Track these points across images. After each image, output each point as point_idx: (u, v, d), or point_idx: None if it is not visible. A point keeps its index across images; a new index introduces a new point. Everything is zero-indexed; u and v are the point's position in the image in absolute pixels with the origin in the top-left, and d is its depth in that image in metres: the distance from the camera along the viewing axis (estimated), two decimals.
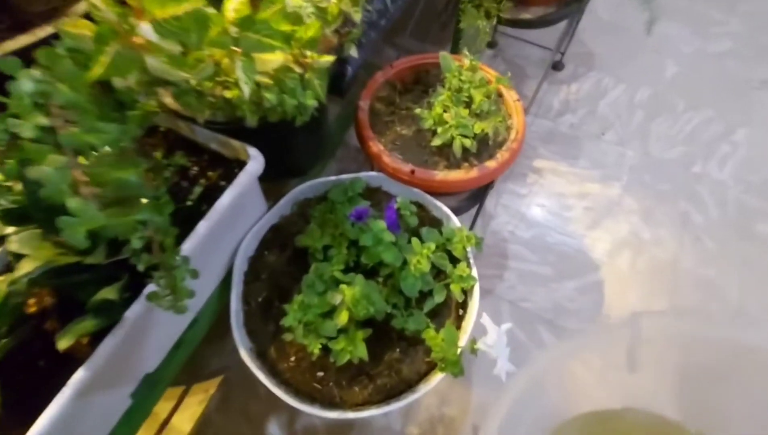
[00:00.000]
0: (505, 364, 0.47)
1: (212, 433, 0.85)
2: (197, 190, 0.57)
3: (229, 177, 0.58)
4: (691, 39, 1.52)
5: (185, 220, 0.51)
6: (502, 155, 0.64)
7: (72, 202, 0.27)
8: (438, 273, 0.59)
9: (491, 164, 0.63)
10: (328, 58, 0.44)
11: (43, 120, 0.26)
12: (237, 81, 0.35)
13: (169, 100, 0.55)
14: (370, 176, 0.68)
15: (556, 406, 0.56)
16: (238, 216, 0.59)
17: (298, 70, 0.43)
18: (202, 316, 0.59)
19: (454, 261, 0.59)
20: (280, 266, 0.63)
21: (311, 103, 0.43)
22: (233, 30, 0.34)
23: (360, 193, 0.63)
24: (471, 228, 0.92)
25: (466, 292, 0.58)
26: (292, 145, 0.65)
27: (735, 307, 0.99)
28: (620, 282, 1.03)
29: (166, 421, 0.86)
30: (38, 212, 0.40)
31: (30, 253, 0.40)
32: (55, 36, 0.51)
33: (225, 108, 0.40)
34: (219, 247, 0.58)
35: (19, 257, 0.40)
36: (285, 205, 0.67)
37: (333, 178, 0.68)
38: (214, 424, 0.86)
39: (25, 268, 0.38)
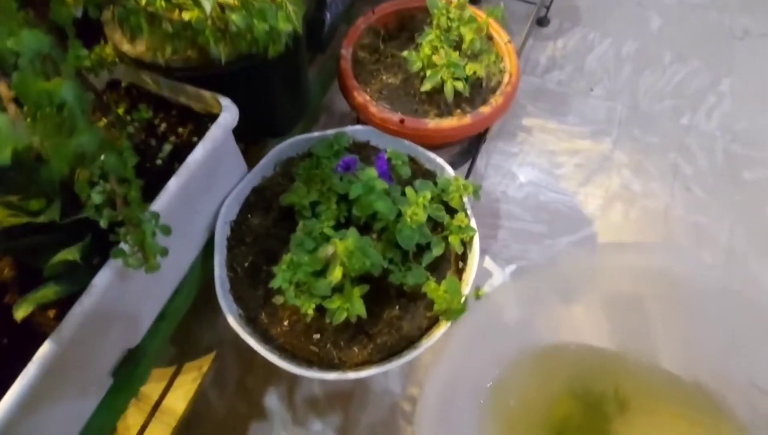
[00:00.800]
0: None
1: (208, 412, 0.82)
2: (167, 148, 0.51)
3: (202, 133, 0.52)
4: None
5: (156, 180, 0.46)
6: (496, 100, 0.60)
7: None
8: (435, 226, 0.56)
9: (485, 110, 0.59)
10: None
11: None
12: None
13: (127, 47, 0.49)
14: (356, 130, 0.63)
15: (503, 345, 0.55)
16: (214, 175, 0.54)
17: None
18: (186, 285, 0.55)
19: (451, 212, 0.56)
20: (265, 229, 0.58)
21: (284, 27, 0.38)
22: None
23: (347, 148, 0.59)
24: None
25: (465, 244, 0.55)
26: (269, 99, 0.60)
27: (725, 250, 1.00)
28: (614, 234, 1.02)
29: (158, 403, 0.83)
30: None
31: None
32: None
33: (185, 39, 0.35)
34: (196, 209, 0.54)
35: None
36: (266, 165, 0.62)
37: (317, 134, 0.63)
38: (209, 402, 0.83)
39: None
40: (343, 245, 0.43)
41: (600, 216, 1.04)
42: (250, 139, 0.66)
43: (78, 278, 0.38)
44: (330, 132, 0.62)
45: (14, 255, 0.39)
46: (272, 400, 0.83)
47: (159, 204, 0.43)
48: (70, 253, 0.34)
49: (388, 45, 0.68)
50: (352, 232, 0.47)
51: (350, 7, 0.61)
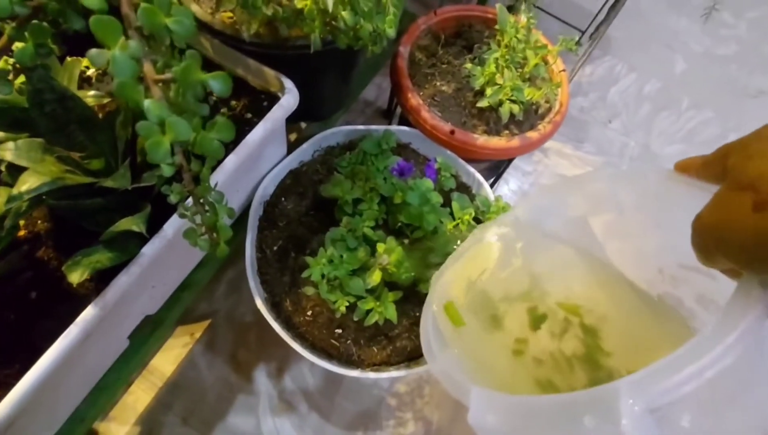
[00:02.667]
0: None
1: (196, 378, 0.83)
2: (219, 119, 0.50)
3: (256, 110, 0.51)
4: (701, 38, 1.53)
5: None
6: (544, 127, 0.61)
7: (154, 108, 0.21)
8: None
9: (533, 135, 0.60)
10: None
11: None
12: None
13: (200, 11, 0.47)
14: (401, 131, 0.63)
15: None
16: (261, 155, 0.53)
17: None
18: (212, 258, 0.54)
19: None
20: (297, 215, 0.58)
21: (391, 31, 0.37)
22: None
23: (392, 148, 0.59)
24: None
25: None
26: (322, 85, 0.59)
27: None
28: None
29: (147, 362, 0.82)
30: (41, 117, 0.32)
31: (30, 165, 0.33)
32: None
33: (287, 21, 0.34)
34: (237, 187, 0.53)
35: (16, 170, 0.33)
36: (307, 149, 0.61)
37: (362, 127, 0.62)
38: (198, 369, 0.83)
39: (28, 182, 0.31)
40: (395, 256, 0.44)
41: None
42: (292, 120, 0.64)
43: (128, 246, 0.37)
44: (375, 128, 0.62)
45: (64, 212, 0.37)
46: (261, 376, 0.84)
47: (216, 182, 0.42)
48: (135, 223, 0.33)
49: (445, 50, 0.67)
50: (392, 241, 0.48)
51: None
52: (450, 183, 0.55)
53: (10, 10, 0.24)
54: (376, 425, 0.83)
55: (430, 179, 0.50)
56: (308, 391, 0.84)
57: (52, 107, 0.32)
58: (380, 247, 0.46)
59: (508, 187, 1.12)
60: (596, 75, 1.36)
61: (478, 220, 0.57)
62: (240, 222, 0.56)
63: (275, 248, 0.56)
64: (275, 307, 0.53)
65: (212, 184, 0.43)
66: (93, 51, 0.20)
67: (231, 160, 0.44)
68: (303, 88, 0.51)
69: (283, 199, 0.59)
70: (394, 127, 0.62)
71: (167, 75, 0.22)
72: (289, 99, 0.48)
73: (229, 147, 0.46)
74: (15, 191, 0.31)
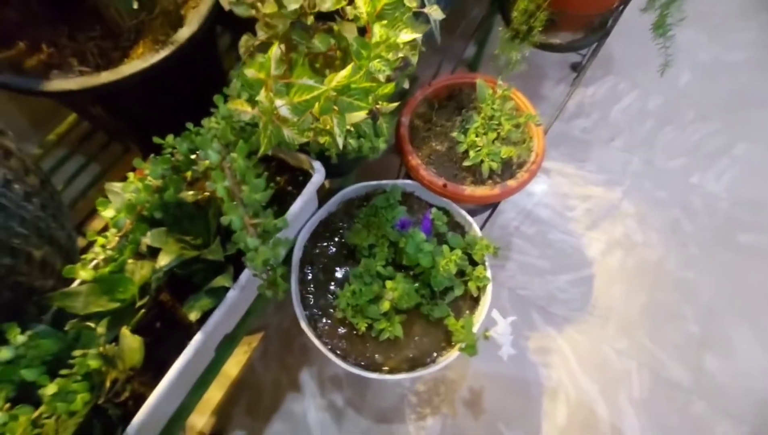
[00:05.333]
0: (508, 349, 0.61)
1: (255, 379, 1.03)
2: (269, 191, 0.69)
3: (294, 183, 0.70)
4: (708, 46, 1.56)
5: None
6: (521, 175, 0.75)
7: (251, 243, 0.39)
8: (458, 271, 0.72)
9: (512, 183, 0.75)
10: (395, 105, 0.55)
11: (227, 182, 0.38)
12: (331, 131, 0.46)
13: None
14: (406, 184, 0.79)
15: None
16: (299, 215, 0.71)
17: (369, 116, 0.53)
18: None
19: (473, 262, 0.73)
20: (328, 255, 0.76)
21: (384, 146, 0.54)
22: (333, 95, 0.45)
23: (398, 200, 0.75)
24: (482, 226, 1.04)
25: (480, 289, 0.72)
26: (340, 162, 0.77)
27: (704, 308, 1.14)
28: (608, 278, 1.17)
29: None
30: (168, 217, 0.52)
31: (161, 246, 0.53)
32: (165, 61, 0.60)
33: (313, 147, 0.52)
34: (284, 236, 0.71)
35: (152, 250, 0.53)
36: (333, 204, 0.79)
37: (374, 182, 0.79)
38: (256, 372, 1.04)
39: (164, 260, 0.51)
40: (398, 292, 0.60)
41: (599, 260, 1.19)
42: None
43: (219, 293, 0.56)
44: (385, 182, 0.79)
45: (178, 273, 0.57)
46: (305, 377, 1.04)
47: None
48: (225, 280, 0.52)
49: (438, 113, 0.83)
50: (400, 278, 0.65)
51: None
52: (442, 228, 0.71)
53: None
54: (400, 419, 1.00)
55: (423, 232, 0.66)
56: (343, 389, 1.03)
57: (173, 211, 0.52)
58: (389, 284, 0.63)
59: (515, 208, 1.24)
60: (598, 95, 1.45)
61: (469, 255, 0.73)
62: (286, 260, 0.75)
63: (312, 281, 0.74)
64: (314, 326, 0.71)
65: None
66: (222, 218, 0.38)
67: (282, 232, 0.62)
68: (327, 160, 0.69)
69: (316, 243, 0.77)
70: (400, 181, 0.79)
71: (256, 221, 0.40)
72: (318, 177, 0.66)
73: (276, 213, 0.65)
74: (157, 266, 0.50)
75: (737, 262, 1.20)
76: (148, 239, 0.53)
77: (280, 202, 0.67)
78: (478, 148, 0.72)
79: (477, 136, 0.73)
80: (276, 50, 0.39)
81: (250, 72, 0.38)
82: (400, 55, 0.54)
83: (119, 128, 0.79)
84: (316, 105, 0.42)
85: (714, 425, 1.01)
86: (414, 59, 0.60)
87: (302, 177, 0.69)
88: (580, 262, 1.19)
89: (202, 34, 0.65)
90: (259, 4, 0.48)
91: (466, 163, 0.73)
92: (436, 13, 0.60)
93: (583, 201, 1.27)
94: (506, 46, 0.77)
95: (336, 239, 0.77)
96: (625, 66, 1.52)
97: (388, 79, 0.50)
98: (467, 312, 0.71)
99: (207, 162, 0.39)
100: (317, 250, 0.76)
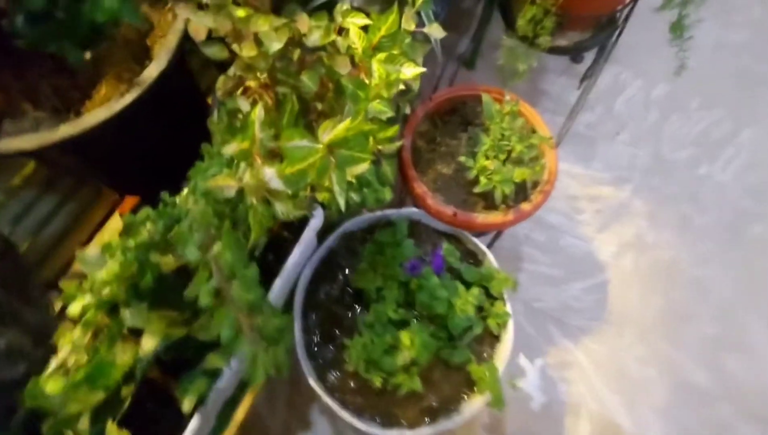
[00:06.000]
0: (539, 397, 0.56)
1: (261, 422, 0.98)
2: (263, 240, 0.62)
3: (291, 228, 0.63)
4: (710, 28, 1.50)
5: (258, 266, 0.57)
6: (536, 197, 0.69)
7: (248, 352, 0.33)
8: (477, 307, 0.67)
9: (526, 207, 0.68)
10: (398, 145, 0.48)
11: (213, 283, 0.31)
12: (330, 189, 0.40)
13: None
14: (412, 212, 0.73)
15: None
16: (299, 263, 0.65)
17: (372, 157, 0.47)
18: None
19: (489, 293, 0.67)
20: (333, 297, 0.70)
21: (390, 195, 0.48)
22: (329, 149, 0.38)
23: (405, 234, 0.69)
24: (491, 244, 0.98)
25: (500, 325, 0.66)
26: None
27: (720, 306, 1.10)
28: (623, 282, 1.13)
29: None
30: (146, 292, 0.46)
31: (143, 326, 0.46)
32: (133, 106, 0.53)
33: (310, 205, 0.45)
34: (286, 285, 0.65)
35: (134, 331, 0.47)
36: (333, 239, 0.72)
37: (378, 213, 0.73)
38: (262, 415, 0.98)
39: (148, 344, 0.44)
40: (415, 348, 0.55)
41: (613, 264, 1.14)
42: None
43: (215, 370, 0.50)
44: (390, 212, 0.72)
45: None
46: (315, 414, 0.98)
47: (271, 296, 0.55)
48: (220, 360, 0.46)
49: (442, 131, 0.76)
50: (416, 328, 0.59)
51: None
52: (456, 263, 0.65)
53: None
54: None
55: (435, 270, 0.60)
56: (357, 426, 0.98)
57: (154, 285, 0.45)
58: (404, 338, 0.57)
59: None
60: (601, 85, 1.38)
61: (486, 290, 0.67)
62: (287, 304, 0.68)
63: (318, 329, 0.68)
64: (324, 379, 0.65)
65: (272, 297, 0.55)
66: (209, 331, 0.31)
67: (278, 283, 0.56)
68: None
69: (319, 285, 0.71)
70: (405, 211, 0.73)
71: (253, 321, 0.33)
72: (316, 221, 0.59)
73: (271, 263, 0.58)
74: (141, 353, 0.44)
75: (749, 255, 1.16)
76: (127, 318, 0.46)
77: (275, 250, 0.61)
78: (490, 173, 0.66)
79: (487, 159, 0.66)
80: (259, 111, 0.32)
81: (231, 148, 0.31)
82: (402, 87, 0.47)
83: (88, 175, 0.71)
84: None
85: (740, 428, 0.98)
86: (416, 85, 0.54)
87: (298, 221, 0.63)
88: (592, 268, 1.14)
89: (173, 69, 0.57)
90: (236, 46, 0.41)
91: (477, 190, 0.67)
92: (436, 31, 0.53)
93: (592, 202, 1.22)
94: (510, 56, 0.70)
95: (340, 278, 0.71)
96: (627, 54, 1.45)
97: (390, 120, 0.44)
98: (488, 351, 0.66)
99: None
100: (321, 294, 0.70)
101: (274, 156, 0.37)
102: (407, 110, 0.60)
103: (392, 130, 0.43)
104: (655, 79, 1.39)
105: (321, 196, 0.43)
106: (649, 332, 1.07)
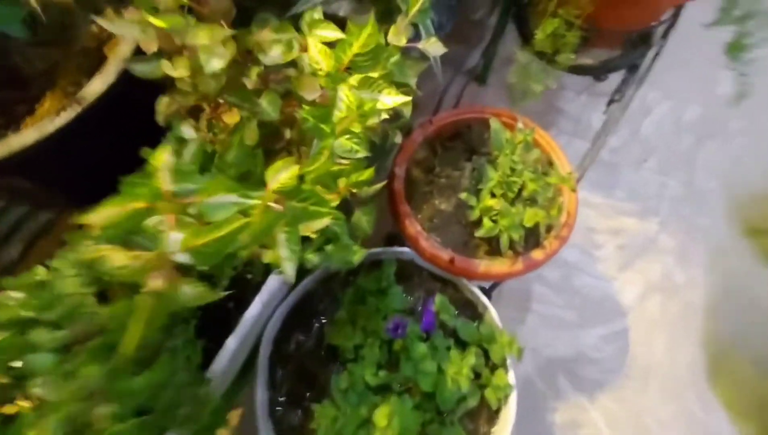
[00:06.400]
0: None
1: None
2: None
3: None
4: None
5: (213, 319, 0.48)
6: (550, 243, 0.59)
7: None
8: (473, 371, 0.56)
9: (538, 255, 0.58)
10: (377, 187, 0.38)
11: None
12: (277, 255, 0.30)
13: None
14: (403, 252, 0.63)
15: None
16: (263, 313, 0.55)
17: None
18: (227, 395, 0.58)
19: (490, 359, 0.56)
20: (306, 349, 0.60)
21: (361, 255, 0.38)
22: (276, 203, 0.29)
23: (390, 282, 0.59)
24: (490, 291, 0.87)
25: (501, 400, 0.55)
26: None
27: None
28: (647, 330, 1.00)
29: None
30: None
31: None
32: (69, 126, 0.45)
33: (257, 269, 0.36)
34: (244, 343, 0.56)
35: None
36: (310, 282, 0.63)
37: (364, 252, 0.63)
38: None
39: None
40: (393, 430, 0.44)
41: (636, 308, 1.01)
42: None
43: None
44: (376, 251, 0.62)
45: None
46: None
47: (217, 367, 0.45)
48: None
49: (442, 158, 0.66)
50: (396, 401, 0.48)
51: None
52: (451, 320, 0.55)
53: None
54: None
55: (424, 329, 0.50)
56: None
57: None
58: (380, 415, 0.46)
59: None
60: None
61: (485, 352, 0.56)
62: (249, 360, 0.59)
63: (285, 386, 0.58)
64: None
65: (215, 370, 0.46)
66: None
67: (232, 342, 0.47)
68: None
69: (290, 333, 0.61)
70: (395, 249, 0.63)
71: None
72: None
73: (230, 314, 0.49)
74: None
75: None
76: None
77: (236, 297, 0.51)
78: (495, 214, 0.55)
79: (493, 196, 0.56)
80: (167, 157, 0.23)
81: (115, 210, 0.22)
82: (383, 117, 0.37)
83: (33, 195, 0.64)
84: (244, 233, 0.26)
85: None
86: (407, 111, 0.44)
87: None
88: (613, 312, 1.01)
89: (125, 83, 0.49)
90: (165, 63, 0.32)
91: (479, 234, 0.57)
92: (434, 47, 0.43)
93: (613, 236, 1.09)
94: (524, 74, 0.60)
95: (316, 327, 0.61)
96: (654, 72, 1.32)
97: (374, 156, 0.34)
98: (485, 428, 0.55)
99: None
100: (292, 345, 0.60)
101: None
102: (397, 139, 0.51)
103: (368, 173, 0.34)
104: (687, 101, 1.26)
105: (267, 256, 0.34)
106: (677, 390, 0.94)
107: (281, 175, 0.28)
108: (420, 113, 0.76)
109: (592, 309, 1.00)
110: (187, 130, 0.37)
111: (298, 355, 0.59)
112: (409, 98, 0.34)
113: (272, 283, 0.50)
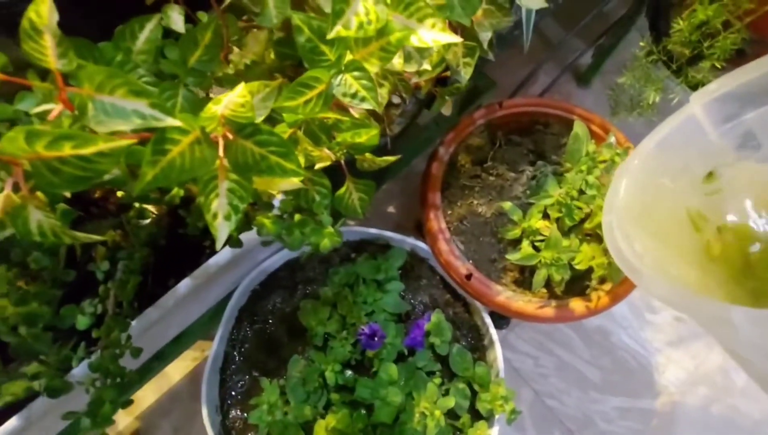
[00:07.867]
0: None
1: (194, 394, 0.87)
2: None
3: None
4: None
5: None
6: (598, 298, 0.46)
7: None
8: (451, 412, 0.47)
9: (577, 307, 0.45)
10: (388, 160, 0.28)
11: None
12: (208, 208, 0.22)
13: None
14: (419, 246, 0.53)
15: None
16: (241, 260, 0.48)
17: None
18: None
19: (475, 407, 0.46)
20: (282, 313, 0.53)
21: (326, 245, 0.29)
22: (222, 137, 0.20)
23: (393, 274, 0.49)
24: (507, 319, 0.75)
25: None
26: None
27: None
28: (675, 422, 0.84)
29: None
30: None
31: None
32: None
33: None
34: (219, 281, 0.50)
35: None
36: None
37: (374, 231, 0.54)
38: (198, 385, 0.88)
39: None
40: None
41: (672, 393, 0.85)
42: None
43: None
44: (390, 235, 0.53)
45: None
46: None
47: (161, 303, 0.39)
48: None
49: (500, 153, 0.54)
50: (345, 414, 0.40)
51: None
52: (443, 348, 0.45)
53: None
54: None
55: (408, 346, 0.40)
56: None
57: None
58: (320, 429, 0.39)
59: None
60: None
61: (474, 393, 0.46)
62: (218, 309, 0.53)
63: (246, 347, 0.53)
64: (224, 413, 0.50)
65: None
66: None
67: (183, 285, 0.40)
68: None
69: (270, 292, 0.54)
70: (410, 240, 0.53)
71: None
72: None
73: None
74: None
75: None
76: None
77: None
78: (540, 240, 0.43)
79: (546, 217, 0.43)
80: (52, 14, 0.15)
81: None
82: (425, 66, 0.27)
83: None
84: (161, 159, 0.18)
85: None
86: (465, 73, 0.32)
87: None
88: (642, 387, 0.86)
89: None
90: None
91: (511, 258, 0.45)
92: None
93: None
94: (642, 75, 0.45)
95: (300, 293, 0.54)
96: None
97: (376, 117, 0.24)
98: None
99: None
100: (268, 304, 0.54)
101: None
102: (446, 111, 0.40)
103: (372, 133, 0.24)
104: None
105: (206, 208, 0.24)
106: None
107: (232, 97, 0.19)
108: (493, 94, 0.63)
109: (620, 375, 0.86)
110: (176, 17, 0.28)
111: (271, 316, 0.53)
112: (458, 39, 0.23)
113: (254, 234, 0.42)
